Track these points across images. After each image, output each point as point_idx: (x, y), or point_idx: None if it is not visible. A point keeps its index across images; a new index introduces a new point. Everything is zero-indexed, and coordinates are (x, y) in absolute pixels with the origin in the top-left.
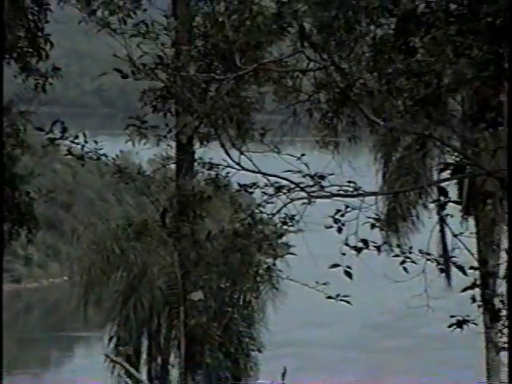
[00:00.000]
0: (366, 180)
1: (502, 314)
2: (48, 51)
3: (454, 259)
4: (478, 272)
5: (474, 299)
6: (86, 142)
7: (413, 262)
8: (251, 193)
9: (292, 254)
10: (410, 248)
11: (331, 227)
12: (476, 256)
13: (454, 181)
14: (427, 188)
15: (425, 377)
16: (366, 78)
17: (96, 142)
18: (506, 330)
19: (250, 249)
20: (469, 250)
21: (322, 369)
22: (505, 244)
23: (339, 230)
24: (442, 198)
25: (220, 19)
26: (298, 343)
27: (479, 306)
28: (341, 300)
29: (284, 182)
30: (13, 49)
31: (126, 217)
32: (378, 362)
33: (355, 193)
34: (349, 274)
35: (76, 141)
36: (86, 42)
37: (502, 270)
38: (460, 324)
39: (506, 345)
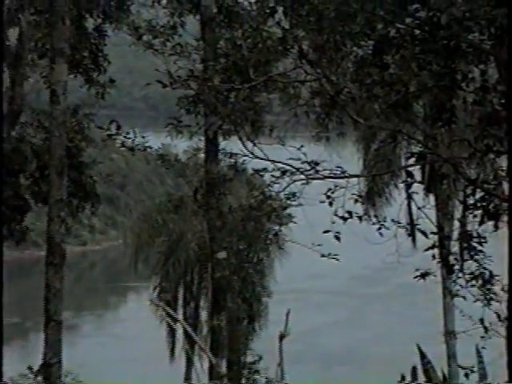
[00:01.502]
0: (350, 166)
1: (454, 268)
2: (106, 67)
3: (418, 226)
4: (436, 236)
5: (434, 257)
6: (135, 137)
7: (386, 228)
8: (262, 176)
9: (294, 222)
10: (385, 218)
11: (324, 202)
12: (435, 224)
13: (418, 166)
14: (397, 172)
15: (395, 315)
16: (350, 87)
17: (143, 137)
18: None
19: (262, 219)
20: (429, 219)
21: (317, 310)
22: (457, 214)
23: (330, 204)
24: (408, 179)
25: (238, 42)
26: (299, 291)
27: (438, 262)
28: (331, 258)
29: (287, 167)
30: (79, 65)
31: (167, 194)
32: (359, 305)
33: (342, 175)
34: (338, 238)
35: (128, 136)
36: (135, 60)
37: (455, 234)
38: (423, 276)
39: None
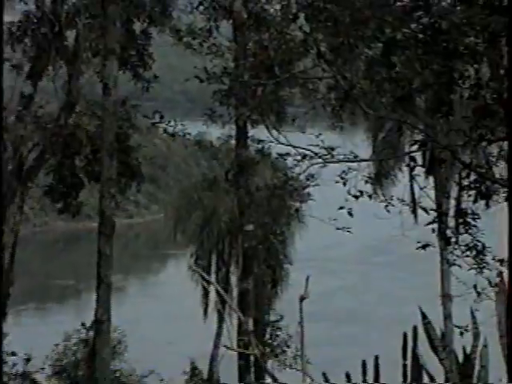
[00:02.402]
0: (361, 151)
1: (451, 240)
2: (150, 65)
3: (419, 204)
4: (435, 213)
5: (433, 230)
6: (175, 125)
7: (392, 205)
8: (285, 159)
9: (312, 200)
10: (391, 197)
11: (338, 182)
12: (434, 202)
13: (420, 152)
14: (402, 157)
15: (399, 280)
16: (361, 83)
17: (182, 125)
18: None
19: (285, 197)
20: (430, 198)
21: (331, 274)
22: (453, 194)
23: (344, 184)
24: (411, 164)
25: (265, 44)
26: (316, 259)
27: (436, 235)
28: (345, 230)
29: (307, 152)
30: (127, 63)
31: (202, 175)
32: (368, 271)
33: (354, 159)
34: (350, 214)
35: (169, 124)
36: (176, 59)
37: (452, 211)
38: (424, 247)
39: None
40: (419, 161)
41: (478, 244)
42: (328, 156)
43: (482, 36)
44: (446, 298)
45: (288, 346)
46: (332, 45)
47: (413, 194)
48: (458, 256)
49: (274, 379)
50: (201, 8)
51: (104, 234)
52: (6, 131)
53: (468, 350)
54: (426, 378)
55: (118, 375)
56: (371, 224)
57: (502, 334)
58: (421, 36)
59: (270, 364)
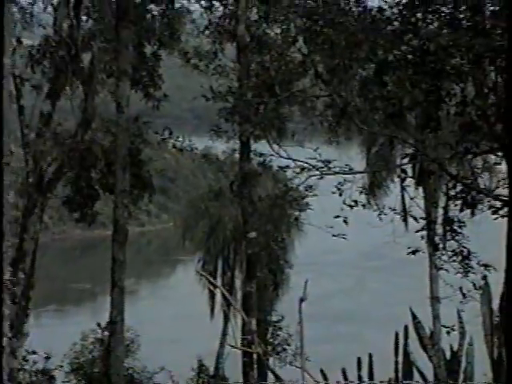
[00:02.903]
0: (355, 164)
1: (439, 246)
2: (160, 85)
3: (410, 213)
4: (424, 221)
5: (422, 237)
6: (183, 140)
7: (385, 214)
8: (285, 171)
9: (310, 209)
10: (384, 206)
11: (334, 193)
12: (424, 211)
13: (410, 164)
14: (394, 169)
15: (391, 283)
16: (356, 101)
17: (190, 141)
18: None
19: (285, 206)
20: (419, 207)
21: (328, 278)
22: (441, 203)
23: (340, 195)
24: (402, 175)
25: (266, 65)
26: (314, 264)
27: (426, 242)
28: (340, 237)
29: (305, 165)
30: (139, 83)
31: (209, 186)
32: (362, 275)
33: (349, 172)
34: (345, 222)
35: (178, 140)
36: (184, 79)
37: (440, 219)
38: (414, 252)
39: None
40: (409, 173)
41: (464, 250)
42: (325, 168)
43: (467, 57)
44: (435, 299)
45: (288, 345)
46: (328, 66)
47: (404, 203)
48: (445, 261)
49: (276, 375)
50: (207, 32)
51: (118, 242)
52: (27, 147)
53: (455, 347)
54: (416, 374)
55: (130, 372)
56: (365, 231)
57: (487, 332)
58: (410, 57)
59: (272, 361)
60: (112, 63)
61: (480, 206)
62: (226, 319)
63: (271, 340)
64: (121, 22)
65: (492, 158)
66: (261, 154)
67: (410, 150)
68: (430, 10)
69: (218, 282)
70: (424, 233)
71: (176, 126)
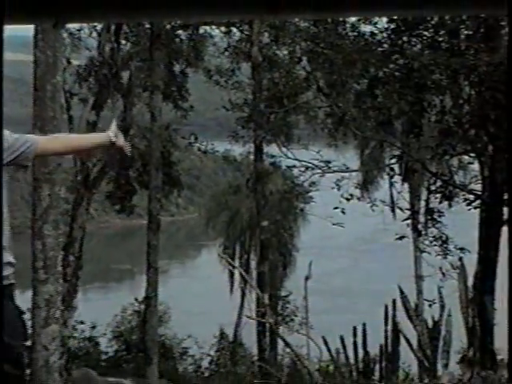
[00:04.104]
0: (351, 164)
1: (422, 232)
2: (187, 97)
3: (397, 204)
4: (409, 211)
5: (408, 225)
6: (207, 144)
7: (376, 205)
8: (292, 170)
9: (314, 202)
10: (375, 199)
11: (334, 188)
12: (409, 203)
13: (397, 164)
14: (383, 168)
15: (382, 263)
16: (351, 111)
17: (212, 144)
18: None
19: (292, 199)
20: (405, 200)
21: (329, 259)
22: (423, 196)
23: (338, 189)
24: (391, 173)
25: (276, 80)
26: (317, 248)
27: (411, 229)
28: (339, 225)
29: (309, 165)
30: (169, 96)
31: (228, 183)
32: (357, 257)
33: (346, 170)
34: (343, 212)
35: (202, 144)
36: (208, 92)
37: (422, 210)
38: (401, 237)
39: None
40: (397, 171)
41: (443, 235)
42: (326, 167)
43: (445, 73)
44: (419, 278)
45: (295, 316)
46: (328, 81)
47: (392, 196)
48: (427, 245)
49: (285, 342)
50: (226, 53)
51: (152, 229)
52: None
53: (436, 318)
54: (402, 340)
55: (163, 339)
56: (360, 220)
57: (463, 305)
58: (397, 74)
59: (282, 330)
60: (147, 79)
61: (456, 199)
62: (243, 294)
63: (281, 312)
64: (154, 44)
65: (466, 158)
66: (272, 156)
67: (397, 152)
68: (413, 34)
69: (236, 263)
70: (409, 221)
71: (200, 133)
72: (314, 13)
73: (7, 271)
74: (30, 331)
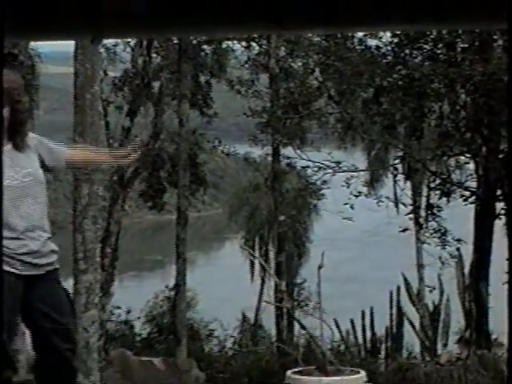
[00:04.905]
0: (359, 164)
1: (423, 225)
2: (211, 105)
3: (400, 200)
4: (411, 206)
5: (410, 219)
6: (230, 147)
7: (382, 202)
8: (306, 170)
9: (326, 198)
10: (380, 196)
11: (344, 186)
12: (411, 199)
13: (401, 164)
14: (388, 167)
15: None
16: (359, 116)
17: (234, 147)
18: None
19: (306, 196)
20: (408, 196)
21: (339, 250)
22: (424, 193)
23: (348, 187)
24: (395, 172)
25: (292, 90)
26: (329, 239)
27: (413, 222)
28: (349, 220)
29: (321, 165)
30: (196, 104)
31: (249, 181)
32: (364, 247)
33: (355, 170)
34: (352, 208)
35: (225, 147)
36: (230, 100)
37: (423, 205)
38: (404, 230)
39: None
40: (400, 170)
41: (442, 228)
42: (336, 167)
43: (444, 83)
44: (420, 266)
45: (309, 301)
46: (338, 90)
47: (395, 193)
48: (427, 237)
49: (300, 324)
50: (246, 65)
51: (180, 224)
52: None
53: (436, 302)
54: (406, 323)
55: (191, 322)
56: (367, 215)
57: (460, 291)
58: (400, 83)
59: (297, 313)
60: (175, 89)
61: (453, 195)
62: (263, 282)
63: (297, 297)
64: (182, 58)
65: (462, 158)
66: (288, 157)
67: (400, 153)
68: (415, 47)
69: (256, 253)
70: (411, 215)
71: (224, 137)
72: (322, 28)
73: (53, 258)
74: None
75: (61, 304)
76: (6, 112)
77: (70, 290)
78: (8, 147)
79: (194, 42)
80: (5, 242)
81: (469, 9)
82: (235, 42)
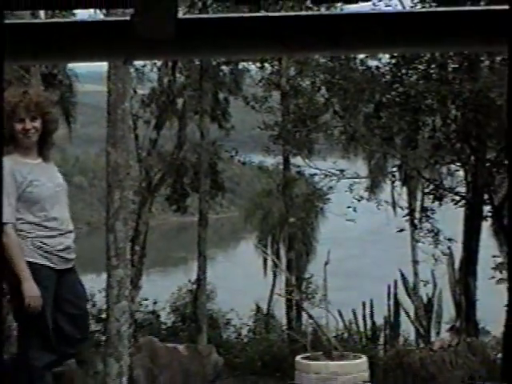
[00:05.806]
0: (361, 171)
1: (418, 226)
2: (229, 119)
3: (398, 204)
4: (408, 209)
5: (406, 220)
6: (245, 157)
7: (381, 205)
8: (314, 177)
9: (331, 202)
10: (380, 200)
11: (347, 191)
12: (407, 202)
13: (398, 171)
14: (387, 174)
15: (385, 251)
16: (361, 129)
17: (249, 157)
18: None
19: (314, 200)
20: (404, 200)
21: (343, 248)
22: (419, 197)
23: (351, 192)
24: (393, 179)
25: (300, 106)
26: (334, 238)
27: (409, 223)
28: (352, 221)
29: (327, 173)
30: (215, 118)
31: (262, 188)
32: (365, 245)
33: (357, 177)
34: (355, 210)
35: (241, 156)
36: (246, 115)
37: (418, 208)
38: (401, 230)
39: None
40: (397, 177)
41: (435, 228)
42: (340, 175)
43: (436, 99)
44: (415, 262)
45: (316, 293)
46: (342, 105)
47: (393, 198)
48: (422, 236)
49: (308, 314)
50: (260, 84)
51: (201, 225)
52: (141, 162)
53: (429, 295)
54: (402, 313)
55: (210, 312)
56: (368, 217)
57: (451, 286)
58: (398, 99)
59: (305, 305)
60: (197, 105)
61: (445, 199)
62: (275, 276)
63: (305, 290)
64: (203, 77)
65: (453, 166)
66: (297, 166)
67: (397, 162)
68: (410, 67)
69: (269, 251)
70: (407, 217)
71: (240, 147)
72: (324, 51)
73: (73, 255)
74: (104, 307)
75: (84, 293)
76: (38, 123)
77: (104, 284)
78: (38, 160)
79: (214, 63)
80: (44, 240)
81: (458, 34)
82: (250, 63)
